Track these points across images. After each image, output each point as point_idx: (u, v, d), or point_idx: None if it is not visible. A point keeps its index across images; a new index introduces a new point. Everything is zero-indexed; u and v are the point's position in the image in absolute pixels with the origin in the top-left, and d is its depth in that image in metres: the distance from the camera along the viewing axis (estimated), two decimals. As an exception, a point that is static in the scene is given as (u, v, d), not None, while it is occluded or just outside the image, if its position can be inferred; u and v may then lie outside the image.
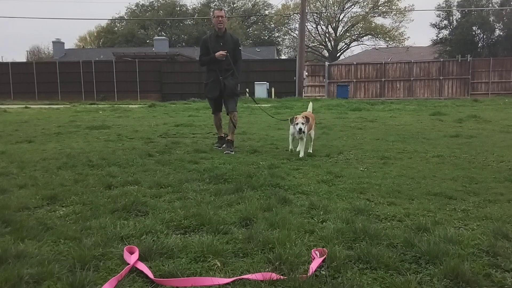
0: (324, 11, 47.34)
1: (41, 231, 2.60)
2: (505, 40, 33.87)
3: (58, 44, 42.73)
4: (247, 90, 22.67)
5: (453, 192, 3.59)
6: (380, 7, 47.09)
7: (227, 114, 6.17)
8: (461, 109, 14.46)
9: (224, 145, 6.09)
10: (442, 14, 36.34)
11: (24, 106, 19.29)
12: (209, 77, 6.16)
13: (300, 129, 5.29)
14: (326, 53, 51.14)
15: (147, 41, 48.83)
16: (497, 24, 35.11)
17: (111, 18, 55.74)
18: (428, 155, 5.48)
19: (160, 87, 27.94)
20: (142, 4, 54.06)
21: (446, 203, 3.28)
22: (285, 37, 53.83)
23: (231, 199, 3.34)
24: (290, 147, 5.84)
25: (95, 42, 56.37)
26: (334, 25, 49.21)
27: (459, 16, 35.63)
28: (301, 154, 5.40)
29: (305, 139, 5.48)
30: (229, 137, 6.04)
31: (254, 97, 22.49)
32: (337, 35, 49.52)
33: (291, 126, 5.53)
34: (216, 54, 5.89)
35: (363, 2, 48.03)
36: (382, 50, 43.49)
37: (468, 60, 26.59)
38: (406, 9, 46.64)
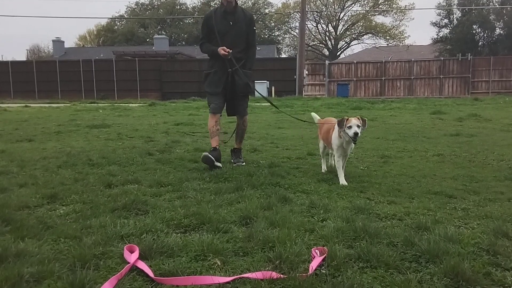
0: (324, 9, 47.33)
1: (41, 230, 2.60)
2: (506, 39, 33.84)
3: (58, 42, 42.75)
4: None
5: (453, 191, 3.59)
6: (380, 6, 47.06)
7: (228, 115, 5.16)
8: (462, 108, 14.45)
9: (219, 159, 4.69)
10: (443, 13, 36.36)
11: (24, 105, 19.26)
12: (212, 65, 4.82)
13: (356, 133, 3.84)
14: (326, 52, 51.11)
15: (147, 40, 48.83)
16: (498, 23, 35.09)
17: (111, 16, 55.93)
18: (428, 154, 5.48)
19: (160, 86, 27.93)
20: (142, 2, 54.12)
21: (447, 202, 3.28)
22: (285, 35, 53.83)
23: (231, 198, 3.34)
24: (324, 168, 4.55)
25: (95, 41, 56.39)
26: (334, 23, 49.18)
27: (460, 15, 35.62)
28: (343, 182, 3.94)
29: (348, 152, 4.19)
30: (236, 146, 5.08)
31: (254, 96, 22.45)
32: (337, 34, 49.48)
33: (335, 134, 4.11)
34: (219, 49, 4.59)
35: (364, 1, 48.07)
36: (382, 48, 43.44)
37: (469, 59, 26.56)
38: (407, 8, 46.70)
